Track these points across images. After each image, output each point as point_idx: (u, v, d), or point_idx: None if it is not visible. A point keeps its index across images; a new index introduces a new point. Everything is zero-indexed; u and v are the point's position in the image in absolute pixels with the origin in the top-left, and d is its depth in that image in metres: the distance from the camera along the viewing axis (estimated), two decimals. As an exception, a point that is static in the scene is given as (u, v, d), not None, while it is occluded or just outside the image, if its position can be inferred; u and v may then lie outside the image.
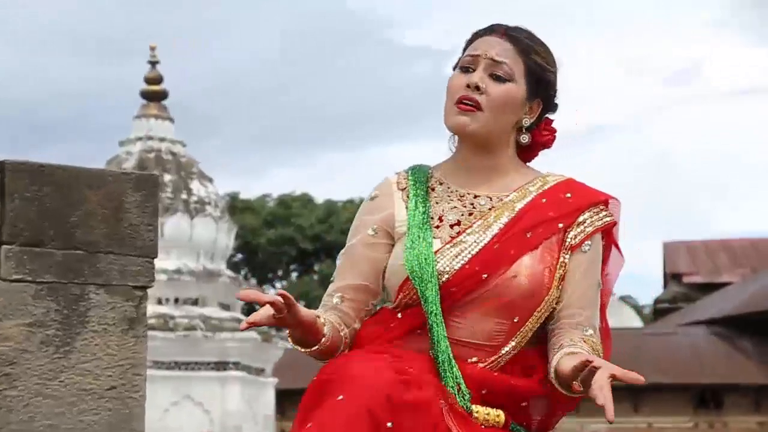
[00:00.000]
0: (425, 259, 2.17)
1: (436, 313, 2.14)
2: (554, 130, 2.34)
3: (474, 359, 2.14)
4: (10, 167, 2.45)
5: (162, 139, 16.85)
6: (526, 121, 2.27)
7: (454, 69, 2.30)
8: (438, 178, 2.29)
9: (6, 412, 2.38)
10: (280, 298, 2.03)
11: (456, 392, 2.09)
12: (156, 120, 16.98)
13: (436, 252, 2.18)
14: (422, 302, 2.15)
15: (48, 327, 2.45)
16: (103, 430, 2.51)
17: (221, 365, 15.61)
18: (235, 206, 33.15)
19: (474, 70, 2.23)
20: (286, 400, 17.87)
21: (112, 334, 2.51)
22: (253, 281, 32.08)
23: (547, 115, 2.32)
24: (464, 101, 2.21)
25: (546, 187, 2.26)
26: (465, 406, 2.09)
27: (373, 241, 2.24)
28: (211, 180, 17.15)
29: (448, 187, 2.26)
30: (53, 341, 2.44)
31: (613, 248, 2.30)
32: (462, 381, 2.10)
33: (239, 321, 15.75)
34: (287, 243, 36.00)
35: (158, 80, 17.08)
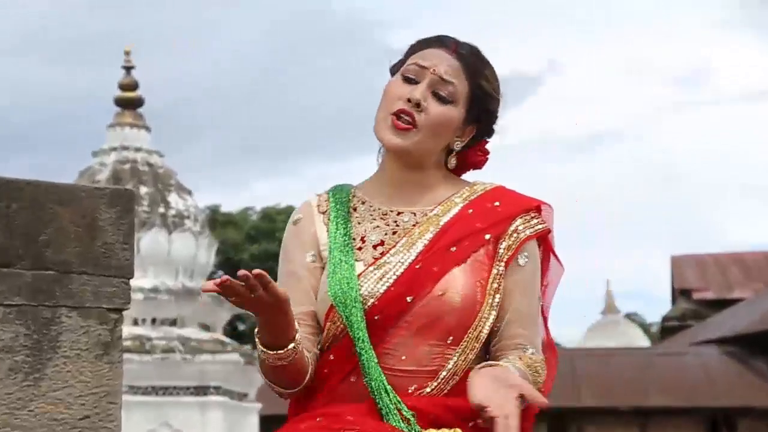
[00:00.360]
0: (347, 283, 2.18)
1: (363, 339, 2.15)
2: (487, 152, 2.37)
3: (413, 387, 2.14)
4: (-24, 182, 2.44)
5: (138, 149, 16.84)
6: (458, 145, 2.30)
7: (393, 72, 2.30)
8: (360, 197, 2.30)
9: (-28, 444, 2.37)
10: (252, 276, 2.01)
11: (400, 422, 2.09)
12: (131, 129, 16.98)
13: (359, 275, 2.19)
14: (348, 329, 2.16)
15: (17, 353, 2.44)
16: (75, 463, 2.50)
17: (201, 390, 15.57)
18: (216, 220, 33.16)
19: (418, 83, 2.24)
20: (270, 426, 17.84)
21: (86, 359, 2.50)
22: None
23: (484, 139, 2.34)
24: (402, 116, 2.22)
25: (473, 197, 2.28)
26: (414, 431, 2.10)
27: (313, 266, 2.26)
28: (190, 192, 17.14)
29: (371, 206, 2.28)
30: (22, 368, 2.43)
31: (552, 257, 2.31)
32: (403, 405, 2.10)
33: (221, 343, 15.75)
34: (271, 258, 35.92)
35: (133, 86, 17.09)
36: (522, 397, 1.97)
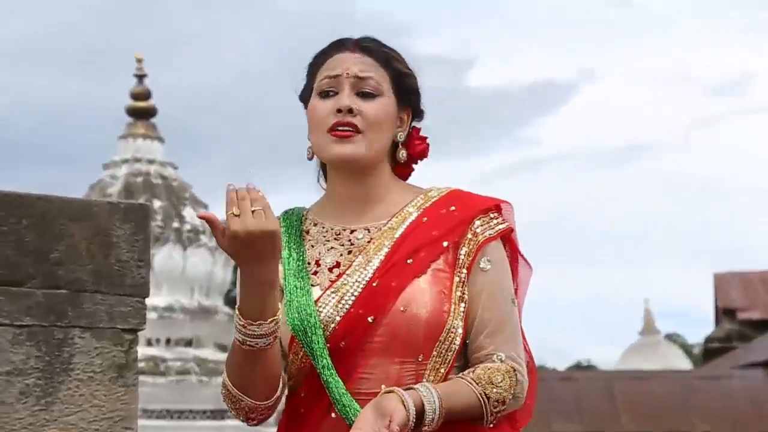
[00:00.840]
0: (305, 310, 2.19)
1: (327, 367, 2.15)
2: (425, 138, 2.38)
3: None
4: (-14, 197, 2.47)
5: (151, 161, 16.91)
6: (401, 135, 2.31)
7: (304, 98, 2.31)
8: (312, 219, 2.31)
9: (-19, 470, 2.39)
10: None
11: None
12: (144, 140, 17.06)
13: (316, 301, 2.19)
14: (312, 359, 2.16)
15: (28, 375, 2.46)
16: (88, 491, 2.52)
17: (218, 414, 15.59)
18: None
19: (337, 93, 2.25)
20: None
21: (100, 382, 2.51)
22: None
23: (413, 125, 2.35)
24: (339, 128, 2.23)
25: (427, 205, 2.28)
26: None
27: None
28: (206, 206, 17.19)
29: (323, 227, 2.29)
30: (34, 391, 2.45)
31: (520, 257, 2.31)
32: None
33: (238, 364, 15.76)
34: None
35: (146, 96, 17.17)
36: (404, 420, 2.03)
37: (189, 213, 16.68)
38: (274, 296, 2.10)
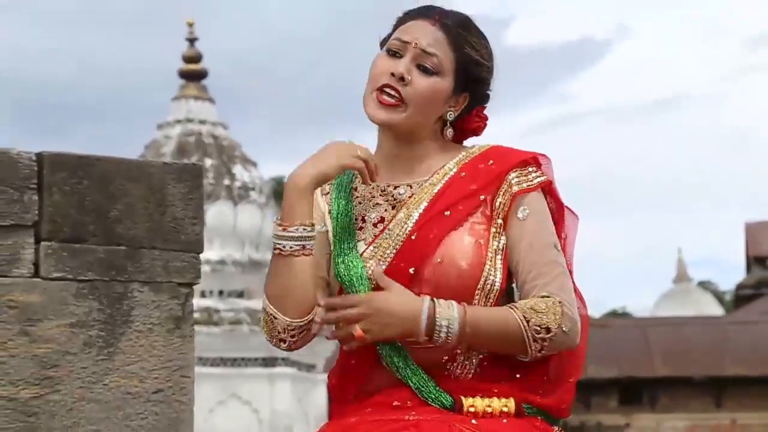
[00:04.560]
0: (351, 263, 2.21)
1: None
2: (485, 118, 2.36)
3: (445, 359, 2.16)
4: (49, 159, 2.50)
5: (202, 122, 16.98)
6: (451, 115, 2.29)
7: (382, 47, 2.31)
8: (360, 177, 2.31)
9: (49, 417, 2.43)
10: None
11: (432, 397, 2.12)
12: (195, 101, 17.11)
13: (361, 255, 2.20)
14: None
15: (91, 327, 2.49)
16: (150, 435, 2.56)
17: (270, 361, 15.73)
18: (280, 191, 33.30)
19: (402, 56, 2.24)
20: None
21: (158, 333, 2.55)
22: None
23: (478, 105, 2.33)
24: (386, 91, 2.22)
25: (466, 161, 2.27)
26: (446, 404, 2.11)
27: (323, 237, 2.28)
28: (255, 164, 17.26)
29: (371, 184, 2.29)
30: (97, 342, 2.49)
31: (566, 209, 2.29)
32: (430, 381, 2.13)
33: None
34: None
35: (197, 59, 17.21)
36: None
37: (239, 171, 16.76)
38: (304, 204, 2.14)
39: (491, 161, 2.25)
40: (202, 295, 15.69)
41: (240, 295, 16.22)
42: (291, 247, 2.16)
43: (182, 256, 2.57)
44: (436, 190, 2.23)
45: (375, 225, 2.25)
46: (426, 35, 2.24)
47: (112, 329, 2.50)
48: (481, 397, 2.13)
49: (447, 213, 2.20)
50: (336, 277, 2.23)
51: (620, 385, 20.74)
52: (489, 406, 2.12)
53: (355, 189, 2.32)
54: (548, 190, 2.26)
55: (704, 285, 33.86)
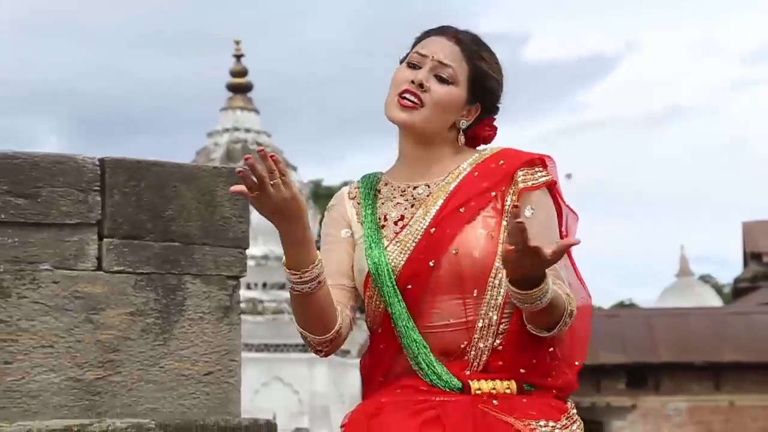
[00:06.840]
0: (378, 257, 2.21)
1: (396, 305, 2.17)
2: (495, 128, 2.37)
3: (464, 344, 2.15)
4: (110, 164, 2.51)
5: (248, 130, 17.02)
6: (463, 123, 2.30)
7: (401, 62, 2.33)
8: (384, 180, 2.34)
9: (111, 396, 2.45)
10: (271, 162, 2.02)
11: (439, 381, 2.11)
12: (242, 112, 17.15)
13: (385, 249, 2.21)
14: (384, 300, 2.18)
15: (148, 315, 2.51)
16: (201, 414, 2.57)
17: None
18: (319, 193, 33.34)
19: (420, 68, 2.26)
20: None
21: (208, 321, 2.56)
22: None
23: (488, 116, 2.33)
24: (406, 96, 2.23)
25: (479, 161, 2.28)
26: (455, 388, 2.10)
27: (348, 240, 2.29)
28: (295, 168, 17.28)
29: (392, 186, 2.31)
30: (153, 329, 2.50)
31: (565, 207, 2.28)
32: (440, 366, 2.12)
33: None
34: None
35: (243, 73, 17.25)
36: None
37: (281, 174, 16.79)
38: (307, 250, 2.14)
39: (502, 161, 2.26)
40: (248, 287, 15.73)
41: (282, 287, 16.25)
42: (308, 288, 2.18)
43: (230, 251, 2.58)
44: (451, 189, 2.25)
45: (396, 223, 2.26)
46: (443, 49, 2.27)
47: (167, 317, 2.52)
48: (486, 380, 2.13)
49: (462, 209, 2.21)
50: (368, 269, 2.24)
51: (627, 369, 20.63)
52: (494, 388, 2.13)
53: (379, 191, 2.33)
54: (551, 189, 2.27)
55: (705, 279, 33.61)
